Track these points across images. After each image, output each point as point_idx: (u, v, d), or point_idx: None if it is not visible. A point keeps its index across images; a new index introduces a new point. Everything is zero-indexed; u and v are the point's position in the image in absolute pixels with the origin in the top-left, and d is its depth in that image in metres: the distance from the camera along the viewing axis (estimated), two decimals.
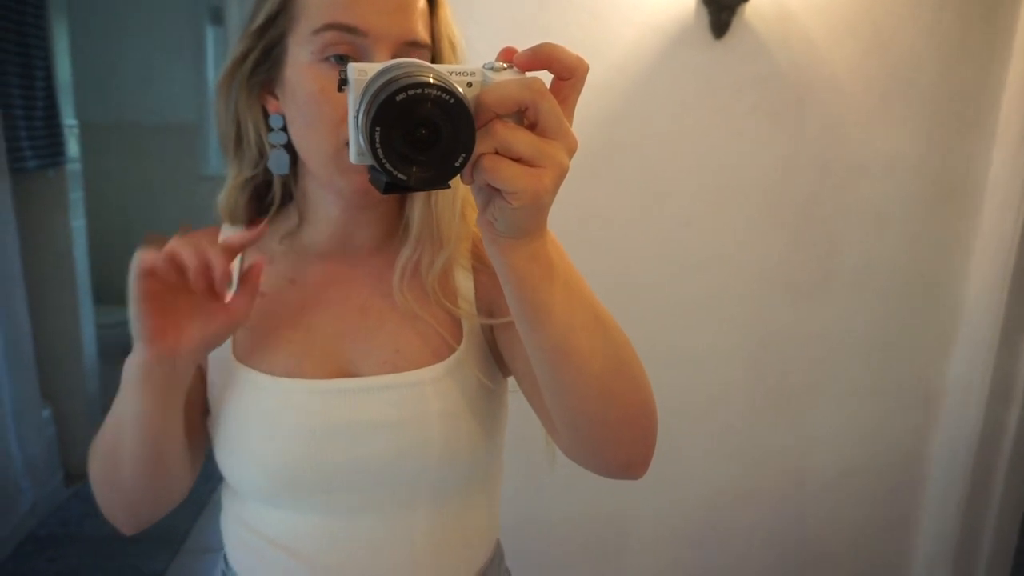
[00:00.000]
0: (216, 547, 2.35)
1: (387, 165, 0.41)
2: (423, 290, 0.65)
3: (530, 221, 0.45)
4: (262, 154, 0.67)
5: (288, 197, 0.70)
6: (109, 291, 3.09)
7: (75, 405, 2.73)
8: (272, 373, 0.64)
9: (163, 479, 0.65)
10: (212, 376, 0.67)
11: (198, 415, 0.69)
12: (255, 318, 0.63)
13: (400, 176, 0.41)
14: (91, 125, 2.85)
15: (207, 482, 2.84)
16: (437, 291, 0.64)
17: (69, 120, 2.59)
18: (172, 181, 3.34)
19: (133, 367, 0.58)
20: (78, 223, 2.63)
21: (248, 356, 0.65)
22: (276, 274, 0.67)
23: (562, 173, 0.43)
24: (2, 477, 2.28)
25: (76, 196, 2.62)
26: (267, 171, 0.68)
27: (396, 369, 0.64)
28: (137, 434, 0.61)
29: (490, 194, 0.44)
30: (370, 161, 0.42)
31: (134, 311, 0.55)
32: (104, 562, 2.26)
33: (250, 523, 0.69)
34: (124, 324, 2.44)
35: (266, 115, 0.65)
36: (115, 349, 3.19)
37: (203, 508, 2.58)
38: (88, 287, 2.74)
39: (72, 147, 2.60)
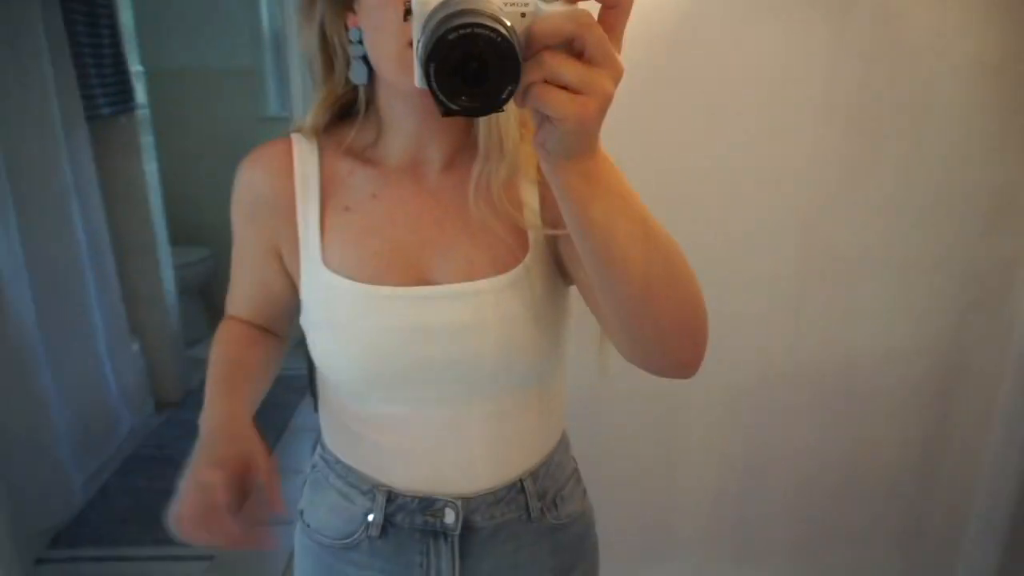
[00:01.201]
0: (296, 468, 2.53)
1: (441, 97, 0.44)
2: (493, 203, 0.70)
3: (578, 144, 0.48)
4: (347, 68, 0.72)
5: (367, 112, 0.75)
6: (182, 232, 3.25)
7: (160, 339, 2.93)
8: (358, 280, 0.70)
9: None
10: (304, 284, 0.74)
11: (287, 321, 0.83)
12: (343, 230, 0.72)
13: (453, 106, 0.45)
14: (156, 72, 2.94)
15: (285, 410, 3.03)
16: (505, 203, 0.69)
17: (136, 67, 2.68)
18: (234, 124, 3.44)
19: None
20: (151, 167, 2.76)
21: (337, 265, 0.72)
22: (360, 189, 0.73)
23: (607, 100, 0.45)
24: (102, 405, 2.49)
25: (147, 141, 2.73)
26: (350, 90, 0.73)
27: (469, 278, 0.70)
28: None
29: (541, 119, 0.47)
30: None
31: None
32: None
33: (340, 409, 0.79)
34: (197, 263, 2.62)
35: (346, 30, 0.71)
36: (191, 286, 3.39)
37: (282, 433, 2.77)
38: (164, 228, 2.88)
39: (140, 93, 2.70)
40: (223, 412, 0.73)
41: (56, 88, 2.18)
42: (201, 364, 3.48)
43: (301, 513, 0.85)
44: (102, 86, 2.45)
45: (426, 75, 0.44)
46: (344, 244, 0.72)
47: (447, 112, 0.46)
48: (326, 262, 0.72)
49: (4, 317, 1.96)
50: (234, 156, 0.76)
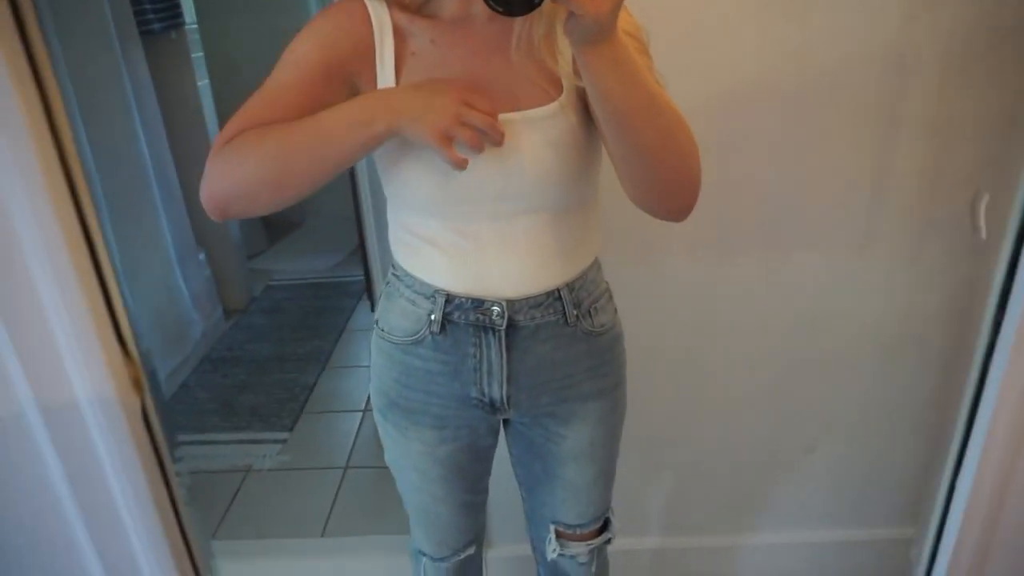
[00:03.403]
0: (354, 363, 2.71)
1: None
2: (532, 52, 0.80)
3: (595, 33, 0.64)
4: None
5: None
6: None
7: (224, 250, 3.10)
8: None
9: (300, 194, 0.79)
10: None
11: None
12: (412, 71, 0.82)
13: (497, 8, 0.63)
14: None
15: (343, 313, 3.20)
16: (543, 52, 0.80)
17: None
18: (277, 38, 3.47)
19: (374, 125, 0.74)
20: (203, 82, 2.85)
21: None
22: (421, 37, 0.83)
23: (619, 1, 0.62)
24: (176, 310, 2.68)
25: (197, 56, 2.82)
26: None
27: (514, 108, 0.80)
28: (320, 162, 0.77)
29: (569, 13, 0.62)
30: None
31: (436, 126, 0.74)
32: (266, 377, 2.66)
33: (406, 226, 0.91)
34: None
35: None
36: None
37: (342, 333, 2.94)
38: None
39: (188, 11, 2.76)
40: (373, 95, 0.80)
41: (110, 6, 2.26)
42: (263, 275, 3.70)
43: (376, 322, 0.99)
44: (151, 2, 2.52)
45: None
46: (414, 80, 0.82)
47: (493, 11, 0.62)
48: None
49: None
50: None
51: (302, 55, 0.82)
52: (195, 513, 1.93)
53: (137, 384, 1.12)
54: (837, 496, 1.64)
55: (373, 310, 1.09)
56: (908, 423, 1.56)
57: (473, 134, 0.74)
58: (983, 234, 1.16)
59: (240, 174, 0.77)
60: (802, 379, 1.52)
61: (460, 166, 0.75)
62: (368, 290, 2.31)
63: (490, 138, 0.76)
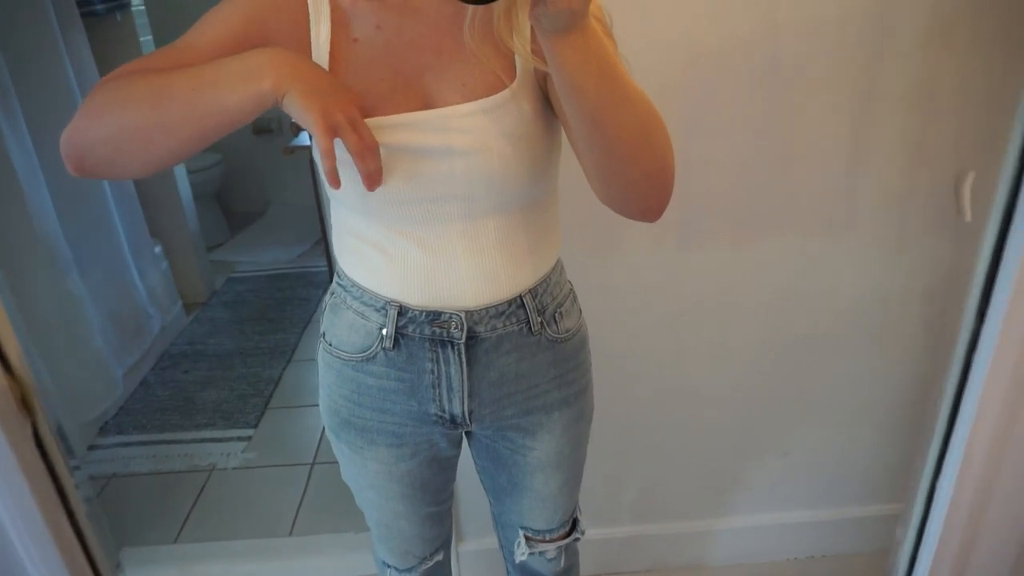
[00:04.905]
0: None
1: None
2: (488, 32, 0.72)
3: (567, 21, 0.55)
4: None
5: None
6: None
7: (181, 241, 2.99)
8: (363, 106, 0.72)
9: (169, 154, 0.68)
10: None
11: None
12: (351, 60, 0.74)
13: None
14: None
15: (308, 304, 3.12)
16: (502, 31, 0.71)
17: None
18: None
19: (261, 80, 0.63)
20: None
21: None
22: (364, 20, 0.75)
23: None
24: (132, 304, 2.58)
25: (146, 39, 2.70)
26: None
27: (463, 100, 0.73)
28: (197, 115, 0.65)
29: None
30: None
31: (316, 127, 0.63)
32: (229, 372, 2.58)
33: (351, 230, 0.83)
34: (210, 167, 2.67)
35: None
36: (205, 191, 3.43)
37: (307, 325, 2.87)
38: None
39: None
40: (269, 51, 0.66)
41: None
42: (224, 267, 3.60)
43: (323, 335, 0.91)
44: None
45: None
46: (353, 73, 0.74)
47: None
48: None
49: (27, 218, 2.02)
50: None
51: (221, 18, 0.73)
52: (157, 517, 1.88)
53: (26, 404, 1.01)
54: (815, 477, 1.63)
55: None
56: (887, 410, 1.55)
57: (358, 140, 0.65)
58: (968, 216, 1.13)
59: (105, 118, 0.66)
60: (778, 363, 1.50)
61: (369, 184, 0.67)
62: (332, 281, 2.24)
63: (366, 166, 0.66)
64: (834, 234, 1.37)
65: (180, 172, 2.94)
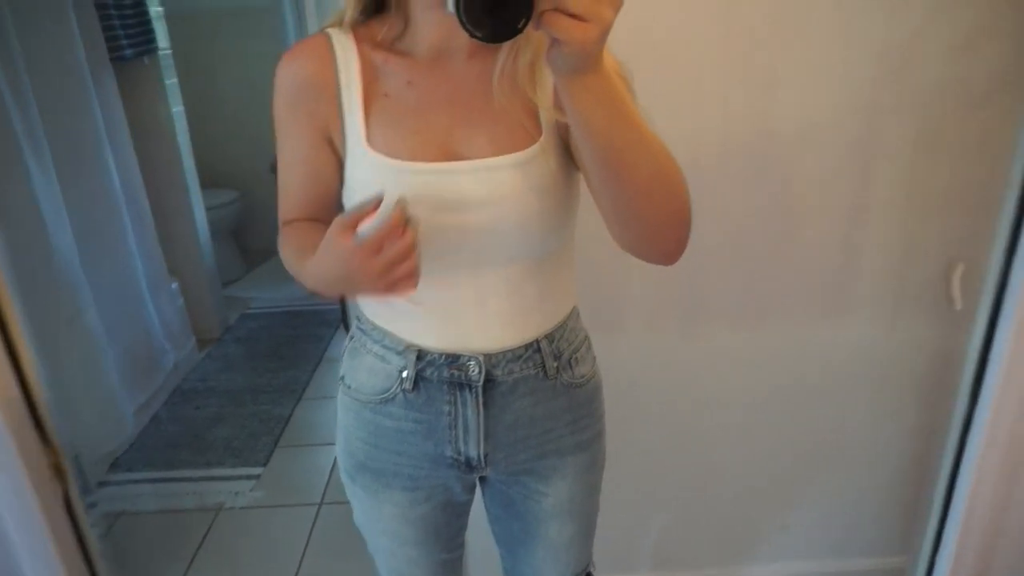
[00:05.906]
0: (331, 394, 2.65)
1: (467, 26, 0.55)
2: (516, 87, 0.76)
3: (581, 63, 0.56)
4: None
5: (395, 8, 0.81)
6: (209, 176, 3.31)
7: (197, 278, 3.03)
8: (399, 158, 0.77)
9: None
10: (349, 165, 0.81)
11: (334, 200, 0.88)
12: (384, 114, 0.78)
13: (478, 34, 0.55)
14: (175, 14, 2.95)
15: (320, 342, 3.13)
16: (527, 85, 0.75)
17: (155, 8, 2.70)
18: (254, 63, 3.45)
19: (333, 292, 0.78)
20: (177, 109, 2.80)
21: (380, 145, 0.78)
22: (396, 77, 0.79)
23: (607, 27, 0.53)
24: (147, 341, 2.61)
25: (171, 83, 2.77)
26: None
27: (491, 154, 0.76)
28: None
29: (552, 40, 0.55)
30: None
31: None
32: (240, 408, 2.59)
33: None
34: (228, 204, 2.69)
35: None
36: (222, 228, 3.48)
37: (319, 363, 2.88)
38: (194, 170, 2.94)
39: (161, 36, 2.73)
40: None
41: (80, 32, 2.22)
42: (239, 303, 3.61)
43: (342, 378, 0.94)
44: (123, 27, 2.48)
45: (456, 5, 0.54)
46: (385, 126, 0.78)
47: (473, 37, 0.55)
48: (370, 143, 0.78)
49: (49, 255, 2.06)
50: (256, 97, 0.80)
51: (283, 127, 0.83)
52: (165, 556, 1.88)
53: (58, 471, 1.03)
54: (825, 528, 1.62)
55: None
56: (895, 467, 1.55)
57: (409, 271, 0.68)
58: (958, 304, 1.15)
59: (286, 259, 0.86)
60: (786, 416, 1.51)
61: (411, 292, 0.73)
62: (344, 319, 2.27)
63: (407, 269, 0.69)
64: (829, 321, 1.42)
65: (198, 209, 2.99)
